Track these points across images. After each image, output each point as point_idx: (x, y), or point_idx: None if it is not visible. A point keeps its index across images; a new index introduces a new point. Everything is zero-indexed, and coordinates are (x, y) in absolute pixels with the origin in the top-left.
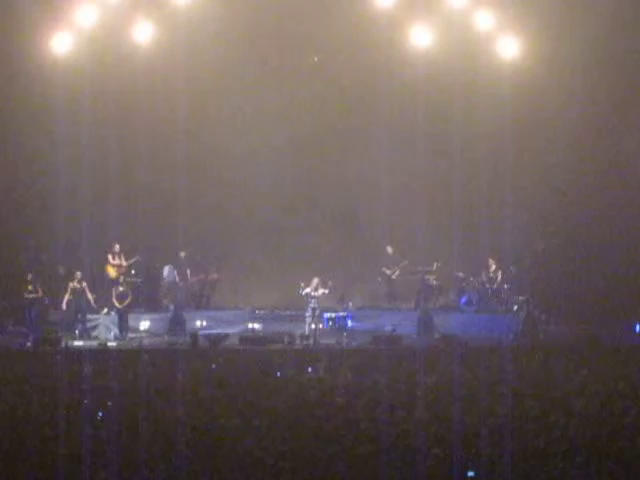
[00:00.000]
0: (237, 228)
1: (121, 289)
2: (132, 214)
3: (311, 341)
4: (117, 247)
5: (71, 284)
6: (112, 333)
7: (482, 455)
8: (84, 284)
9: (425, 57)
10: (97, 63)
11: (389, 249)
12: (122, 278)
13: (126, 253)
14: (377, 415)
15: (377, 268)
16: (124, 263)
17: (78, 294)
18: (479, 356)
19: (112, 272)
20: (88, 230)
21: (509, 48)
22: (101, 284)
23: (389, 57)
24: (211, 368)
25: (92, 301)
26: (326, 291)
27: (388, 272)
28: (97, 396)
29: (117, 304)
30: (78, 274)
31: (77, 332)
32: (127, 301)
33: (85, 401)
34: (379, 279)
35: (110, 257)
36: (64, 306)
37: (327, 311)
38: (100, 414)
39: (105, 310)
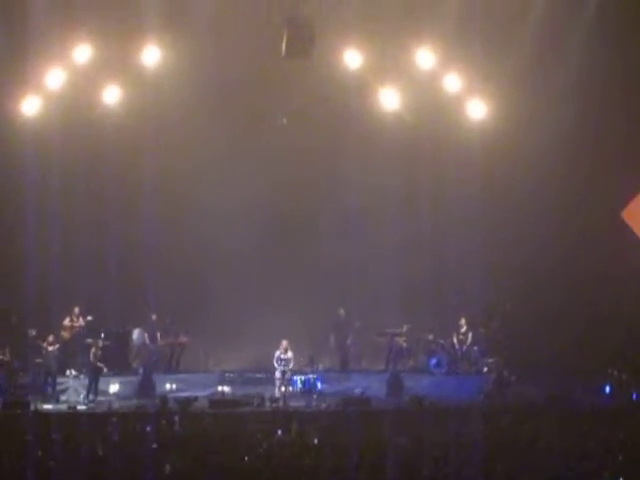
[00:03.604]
0: (208, 290)
1: (99, 350)
2: (102, 275)
3: (281, 403)
4: (77, 310)
5: (44, 345)
6: (81, 396)
7: None
8: (57, 346)
9: (395, 119)
10: (66, 124)
11: (341, 311)
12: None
13: (83, 313)
14: (346, 476)
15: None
16: (82, 324)
17: (49, 356)
18: (448, 417)
19: (65, 334)
20: (58, 291)
21: (477, 109)
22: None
23: (358, 119)
24: (180, 431)
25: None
26: (291, 355)
27: (332, 341)
28: (68, 461)
29: (96, 363)
30: (50, 337)
31: (47, 395)
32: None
33: (55, 466)
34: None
35: (67, 320)
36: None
37: (297, 373)
38: None
39: (74, 373)
